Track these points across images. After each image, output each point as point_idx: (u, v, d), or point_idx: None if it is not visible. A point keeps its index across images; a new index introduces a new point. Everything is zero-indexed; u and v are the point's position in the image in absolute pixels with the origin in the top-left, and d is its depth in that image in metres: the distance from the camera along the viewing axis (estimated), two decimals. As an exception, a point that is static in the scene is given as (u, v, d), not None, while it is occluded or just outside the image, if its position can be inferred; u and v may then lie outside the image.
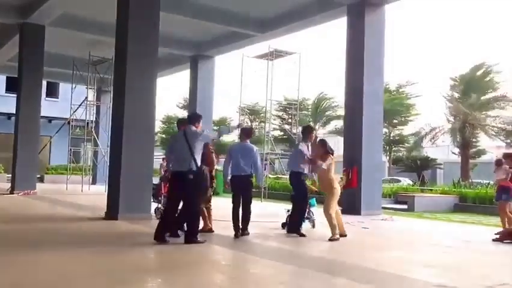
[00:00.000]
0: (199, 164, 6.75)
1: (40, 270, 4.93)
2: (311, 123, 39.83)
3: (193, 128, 6.91)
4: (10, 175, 17.90)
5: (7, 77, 28.94)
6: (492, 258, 6.92)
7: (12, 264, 5.18)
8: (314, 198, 9.12)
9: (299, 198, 8.12)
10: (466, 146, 29.75)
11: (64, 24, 16.39)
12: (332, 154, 7.90)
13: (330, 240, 7.52)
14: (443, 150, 39.76)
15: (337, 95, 38.65)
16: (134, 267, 5.30)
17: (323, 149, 7.90)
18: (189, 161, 6.70)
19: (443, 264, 6.17)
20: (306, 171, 8.16)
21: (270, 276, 5.22)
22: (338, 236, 7.62)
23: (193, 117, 7.20)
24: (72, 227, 8.61)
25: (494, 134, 30.28)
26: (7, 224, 8.67)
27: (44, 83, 25.36)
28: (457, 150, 32.86)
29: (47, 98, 28.76)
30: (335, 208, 7.82)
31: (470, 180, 24.78)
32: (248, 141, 8.03)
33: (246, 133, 8.15)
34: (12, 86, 24.28)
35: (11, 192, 15.83)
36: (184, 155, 6.77)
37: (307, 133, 8.52)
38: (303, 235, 7.86)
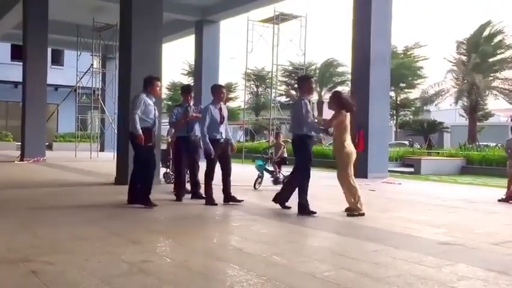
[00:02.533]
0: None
1: (54, 231, 5.07)
2: (317, 89, 39.63)
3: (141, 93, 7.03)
4: (20, 143, 18.11)
5: (12, 45, 28.85)
6: (498, 218, 7.01)
7: (26, 226, 5.32)
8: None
9: (300, 167, 6.67)
10: (473, 108, 29.58)
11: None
12: (349, 110, 6.56)
13: (349, 214, 6.44)
14: (450, 114, 39.57)
15: (344, 60, 38.31)
16: (146, 229, 5.43)
17: (336, 105, 6.56)
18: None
19: (449, 224, 6.26)
20: (313, 133, 6.78)
21: (280, 236, 5.35)
22: (362, 211, 6.47)
23: (144, 82, 7.14)
24: (83, 192, 8.77)
25: (502, 96, 30.03)
26: (19, 189, 8.85)
27: (49, 50, 25.31)
28: (464, 113, 32.67)
29: (52, 66, 28.72)
30: (351, 174, 6.62)
31: (477, 143, 24.76)
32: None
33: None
34: (17, 54, 24.21)
35: (21, 160, 16.06)
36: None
37: (305, 84, 6.87)
38: (311, 212, 6.49)
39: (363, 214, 6.46)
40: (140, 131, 6.69)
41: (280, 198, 6.87)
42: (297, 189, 6.61)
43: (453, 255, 4.47)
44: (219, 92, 7.35)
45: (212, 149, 6.97)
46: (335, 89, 7.14)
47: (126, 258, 4.00)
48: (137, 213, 6.48)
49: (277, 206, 6.89)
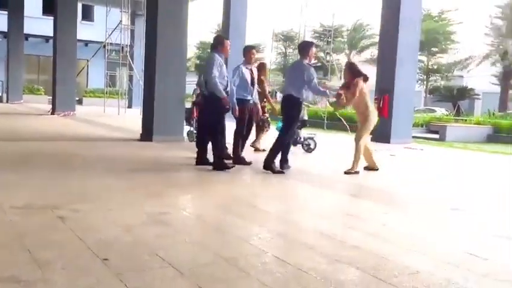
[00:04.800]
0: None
1: (83, 182, 5.38)
2: (347, 51, 38.99)
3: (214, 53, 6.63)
4: (51, 97, 18.63)
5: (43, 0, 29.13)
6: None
7: (56, 177, 5.65)
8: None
9: (288, 129, 6.66)
10: (506, 76, 28.76)
11: None
12: (365, 78, 6.82)
13: (346, 173, 6.76)
14: (483, 80, 38.54)
15: (373, 22, 37.37)
16: (167, 184, 5.70)
17: (350, 72, 6.91)
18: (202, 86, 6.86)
19: (464, 190, 6.34)
20: (308, 97, 6.97)
21: (293, 195, 5.55)
22: (357, 169, 6.85)
23: (215, 42, 6.81)
24: (109, 147, 9.10)
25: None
26: (49, 142, 9.25)
27: (80, 6, 25.49)
28: (496, 80, 31.82)
29: (82, 21, 28.97)
30: (366, 139, 7.00)
31: (507, 111, 24.23)
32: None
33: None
34: (48, 8, 24.48)
35: (52, 113, 16.59)
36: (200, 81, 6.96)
37: (308, 50, 6.66)
38: (280, 172, 6.59)
39: (357, 172, 6.84)
40: (224, 93, 6.38)
41: (267, 163, 6.61)
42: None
43: (461, 218, 4.58)
44: (250, 53, 7.36)
45: (237, 108, 6.98)
46: (350, 60, 7.06)
47: (146, 209, 4.26)
48: (161, 170, 6.75)
49: (292, 165, 6.92)
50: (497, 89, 31.86)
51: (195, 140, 9.54)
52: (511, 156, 11.77)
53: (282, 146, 6.64)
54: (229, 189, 5.70)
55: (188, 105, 10.78)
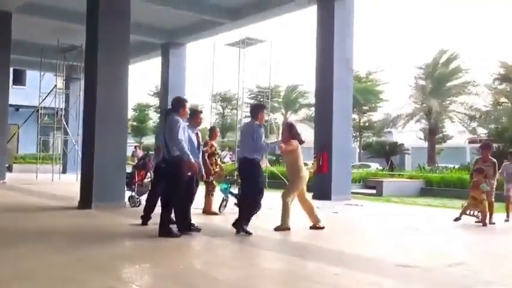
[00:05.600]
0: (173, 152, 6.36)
1: (17, 259, 5.02)
2: (283, 111, 40.18)
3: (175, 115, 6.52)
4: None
5: (-28, 64, 28.10)
6: (454, 239, 7.31)
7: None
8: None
9: (254, 192, 6.79)
10: (432, 131, 30.62)
11: (32, 11, 16.08)
12: (300, 141, 7.14)
13: (276, 229, 6.95)
14: (411, 136, 40.77)
15: (308, 83, 39.04)
16: (111, 255, 5.43)
17: (289, 133, 7.15)
18: (163, 149, 6.60)
19: (406, 245, 6.52)
20: (261, 157, 7.09)
21: (244, 259, 5.45)
22: (287, 226, 7.01)
23: (175, 104, 6.70)
24: (45, 217, 8.62)
25: (459, 120, 31.25)
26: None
27: (11, 70, 24.77)
28: (423, 135, 33.79)
29: (13, 86, 28.12)
30: (293, 197, 7.20)
31: (436, 165, 25.56)
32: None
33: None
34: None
35: (-20, 182, 15.60)
36: (159, 144, 6.78)
37: (259, 112, 6.96)
38: (249, 233, 6.71)
39: (287, 229, 7.03)
40: (192, 157, 6.26)
41: (238, 225, 6.80)
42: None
43: (409, 277, 4.68)
44: (197, 117, 7.17)
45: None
46: (289, 121, 7.38)
47: (91, 286, 4.01)
48: (103, 240, 6.45)
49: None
50: (425, 143, 33.74)
51: (138, 205, 9.33)
52: (440, 209, 12.34)
53: (255, 207, 6.78)
54: (178, 257, 5.51)
55: (129, 169, 10.53)
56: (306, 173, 7.24)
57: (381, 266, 5.15)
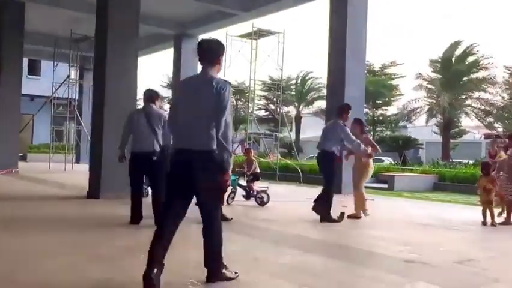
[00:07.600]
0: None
1: (21, 246, 5.02)
2: (296, 104, 39.99)
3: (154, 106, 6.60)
4: (-9, 154, 17.77)
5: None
6: (464, 236, 7.17)
7: (-8, 241, 5.26)
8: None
9: (329, 182, 7.61)
10: (447, 126, 30.22)
11: (44, 1, 16.14)
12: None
13: (349, 217, 7.82)
14: (426, 130, 40.36)
15: (321, 75, 38.79)
16: (113, 245, 5.41)
17: (360, 128, 7.94)
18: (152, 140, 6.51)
19: (416, 241, 6.39)
20: (338, 153, 7.60)
21: (246, 253, 5.38)
22: (361, 214, 7.94)
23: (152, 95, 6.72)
24: (53, 206, 8.66)
25: (475, 115, 30.78)
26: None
27: (26, 60, 25.03)
28: (438, 130, 33.37)
29: (28, 76, 28.40)
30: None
31: (450, 160, 25.26)
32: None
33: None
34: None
35: (-7, 171, 15.77)
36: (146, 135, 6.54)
37: (342, 111, 7.73)
38: (335, 220, 7.47)
39: (359, 217, 8.02)
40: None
41: (321, 213, 7.54)
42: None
43: (414, 273, 4.57)
44: None
45: None
46: (356, 117, 7.38)
47: (91, 275, 3.99)
48: (104, 230, 6.44)
49: (247, 220, 6.87)
50: (439, 138, 33.35)
51: (145, 195, 9.30)
52: (454, 204, 12.15)
53: (331, 196, 7.64)
54: (183, 248, 5.46)
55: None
56: (372, 163, 8.01)
57: (386, 261, 5.04)
